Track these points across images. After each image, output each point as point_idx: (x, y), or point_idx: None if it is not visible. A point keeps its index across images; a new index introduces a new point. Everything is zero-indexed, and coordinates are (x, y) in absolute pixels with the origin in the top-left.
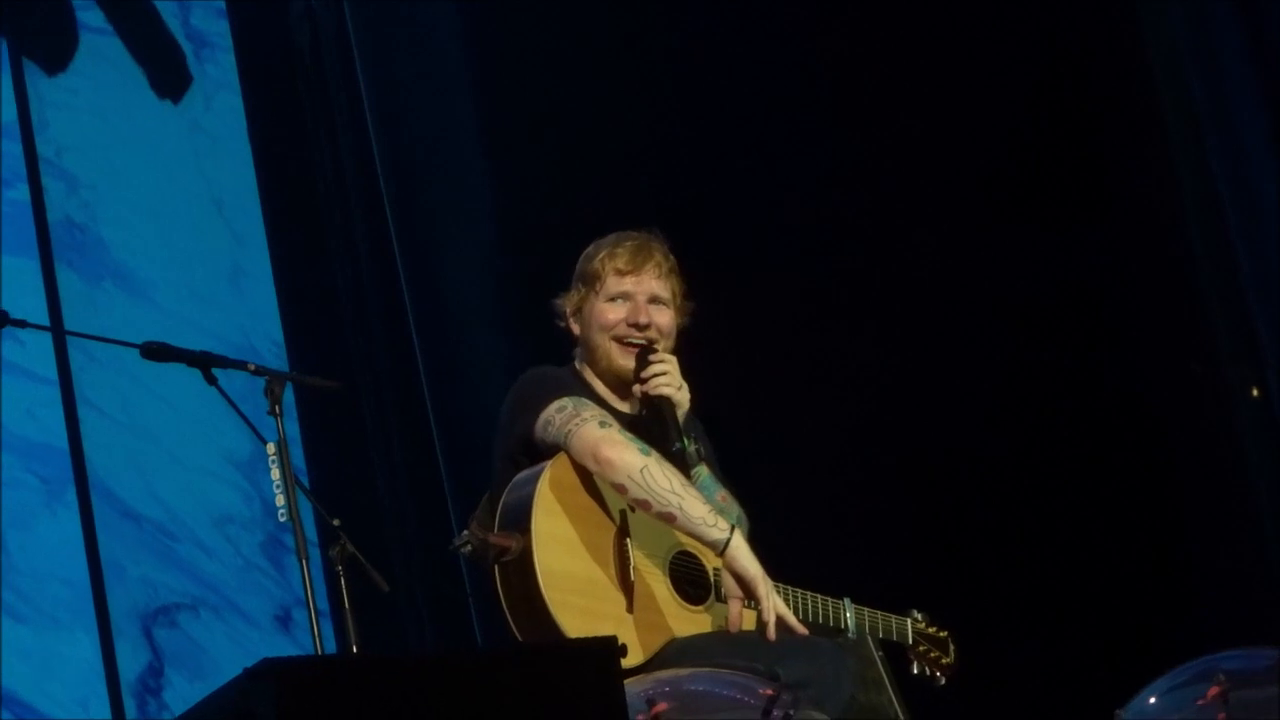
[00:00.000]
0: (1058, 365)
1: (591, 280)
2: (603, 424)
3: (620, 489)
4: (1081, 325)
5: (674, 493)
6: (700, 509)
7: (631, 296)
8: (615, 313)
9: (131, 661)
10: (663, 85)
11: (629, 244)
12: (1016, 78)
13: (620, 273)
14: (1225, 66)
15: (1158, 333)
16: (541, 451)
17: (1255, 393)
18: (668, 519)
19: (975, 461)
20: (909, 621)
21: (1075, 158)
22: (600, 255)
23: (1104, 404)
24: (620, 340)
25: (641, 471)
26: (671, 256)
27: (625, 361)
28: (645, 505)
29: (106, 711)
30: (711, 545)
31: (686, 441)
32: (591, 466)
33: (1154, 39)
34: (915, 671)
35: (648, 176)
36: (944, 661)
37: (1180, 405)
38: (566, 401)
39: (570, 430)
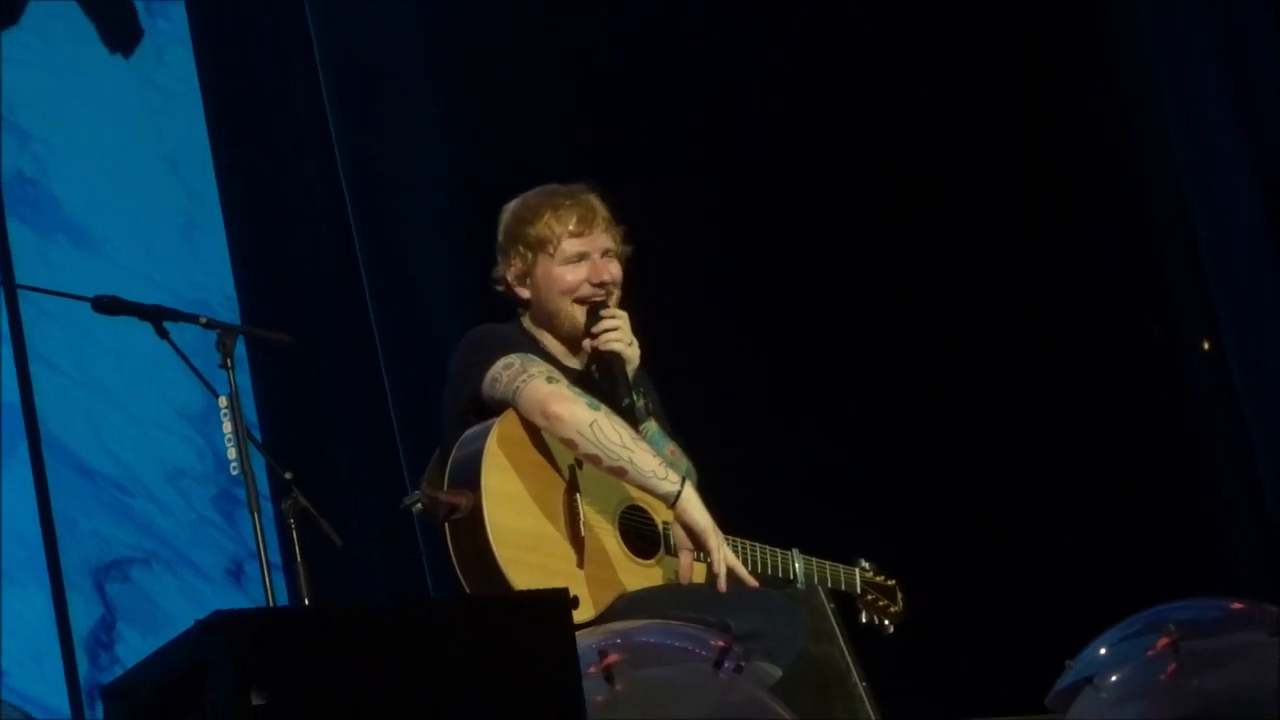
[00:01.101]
0: (1011, 320)
1: (541, 244)
2: (550, 379)
3: (570, 444)
4: (1036, 282)
5: (624, 446)
6: (651, 462)
7: (588, 256)
8: (575, 274)
9: (84, 616)
10: (620, 34)
11: (571, 203)
12: (981, 47)
13: (574, 235)
14: (1183, 30)
15: (1112, 289)
16: (490, 409)
17: (1206, 346)
18: (618, 473)
19: (927, 414)
20: (857, 571)
21: (1036, 122)
22: (545, 218)
23: (1060, 358)
24: (584, 300)
25: (591, 426)
26: (606, 203)
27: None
28: (595, 460)
29: (59, 665)
30: (663, 498)
31: (635, 397)
32: (540, 422)
33: (1115, 7)
34: (864, 620)
35: (603, 127)
36: (892, 610)
37: (1135, 359)
38: (513, 358)
39: (518, 387)
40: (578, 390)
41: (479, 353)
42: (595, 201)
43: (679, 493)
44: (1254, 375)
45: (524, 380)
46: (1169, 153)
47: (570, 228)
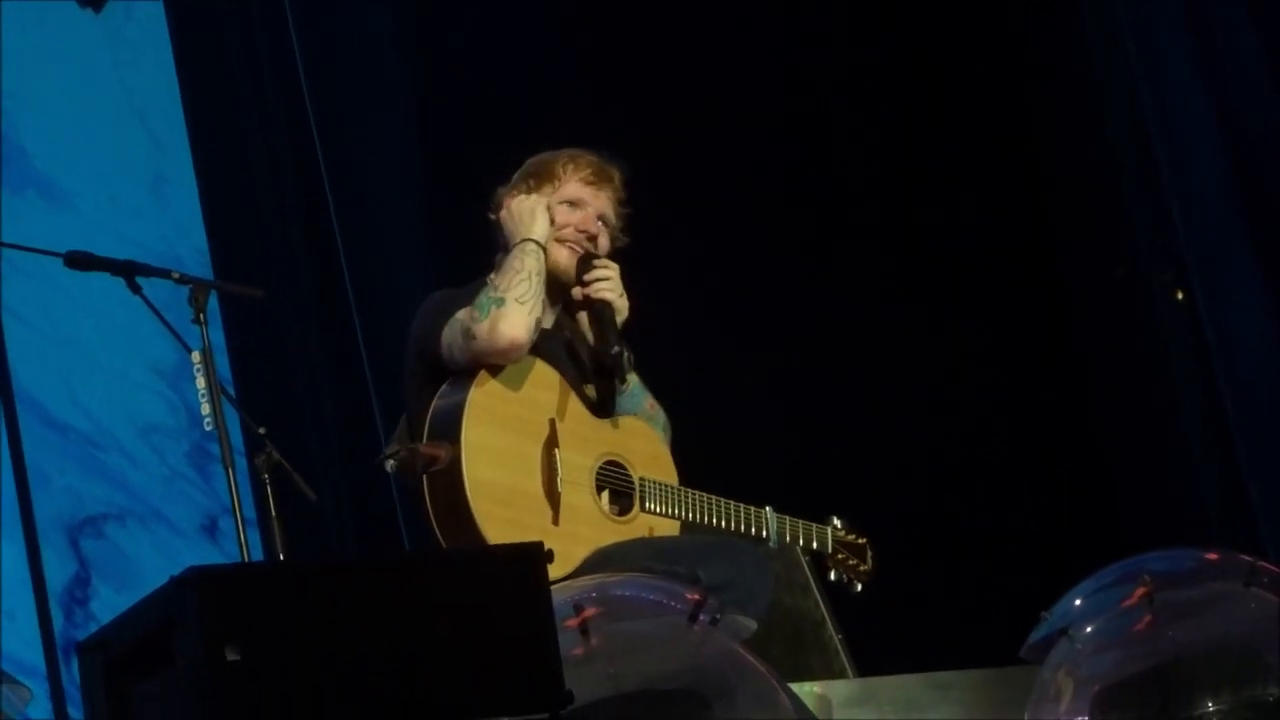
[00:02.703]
0: (978, 278)
1: (548, 178)
2: (472, 323)
3: (532, 326)
4: (1004, 232)
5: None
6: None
7: (585, 205)
8: (567, 215)
9: (58, 572)
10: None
11: (591, 158)
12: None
13: (584, 182)
14: None
15: (1081, 247)
16: (450, 369)
17: (1179, 296)
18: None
19: (899, 370)
20: (829, 530)
21: (1001, 63)
22: (562, 159)
23: (1030, 313)
24: (567, 242)
25: (498, 305)
26: (624, 185)
27: (567, 264)
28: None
29: (34, 622)
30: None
31: (623, 347)
32: (503, 355)
33: None
34: (833, 578)
35: (570, 86)
36: (861, 569)
37: (1105, 313)
38: (458, 315)
39: (464, 345)
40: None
41: (439, 315)
42: (615, 172)
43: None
44: (1223, 327)
45: (465, 336)
46: (1137, 109)
47: (582, 174)
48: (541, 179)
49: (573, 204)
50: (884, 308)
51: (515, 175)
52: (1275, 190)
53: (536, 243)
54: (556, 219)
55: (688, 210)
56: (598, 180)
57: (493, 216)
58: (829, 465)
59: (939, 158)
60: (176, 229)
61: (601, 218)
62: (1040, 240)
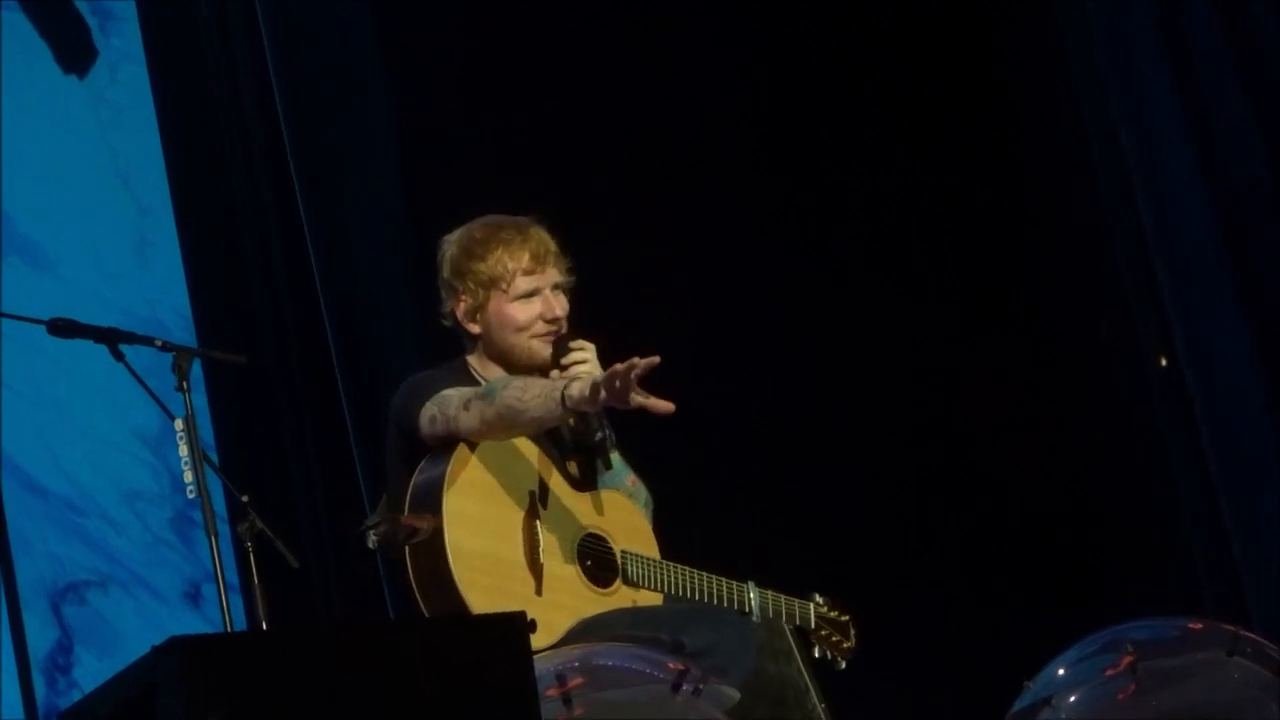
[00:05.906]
0: (965, 332)
1: (494, 282)
2: (466, 406)
3: (507, 429)
4: (991, 292)
5: (520, 398)
6: (533, 388)
7: (540, 291)
8: (528, 312)
9: (40, 638)
10: (575, 19)
11: (521, 239)
12: (930, 29)
13: (527, 272)
14: (1130, 25)
15: (1066, 294)
16: (431, 447)
17: (1163, 362)
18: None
19: (880, 434)
20: (811, 606)
21: (988, 121)
22: (497, 254)
23: (1014, 371)
24: (538, 336)
25: (505, 409)
26: (554, 236)
27: (546, 353)
28: (521, 420)
29: (16, 689)
30: (559, 403)
31: (606, 427)
32: (489, 437)
33: (1065, 10)
34: (816, 655)
35: (558, 141)
36: (844, 646)
37: (1093, 375)
38: (442, 394)
39: (455, 418)
40: (469, 390)
41: (414, 394)
42: (545, 236)
43: (564, 390)
44: (1207, 380)
45: (454, 415)
46: (1121, 163)
47: (524, 265)
48: (487, 285)
49: (528, 296)
50: (868, 376)
51: (448, 276)
52: (1259, 243)
53: (566, 398)
54: (520, 317)
55: (668, 265)
56: (538, 262)
57: (447, 324)
58: (811, 536)
59: (918, 213)
60: (160, 292)
61: (554, 286)
62: (1023, 296)
